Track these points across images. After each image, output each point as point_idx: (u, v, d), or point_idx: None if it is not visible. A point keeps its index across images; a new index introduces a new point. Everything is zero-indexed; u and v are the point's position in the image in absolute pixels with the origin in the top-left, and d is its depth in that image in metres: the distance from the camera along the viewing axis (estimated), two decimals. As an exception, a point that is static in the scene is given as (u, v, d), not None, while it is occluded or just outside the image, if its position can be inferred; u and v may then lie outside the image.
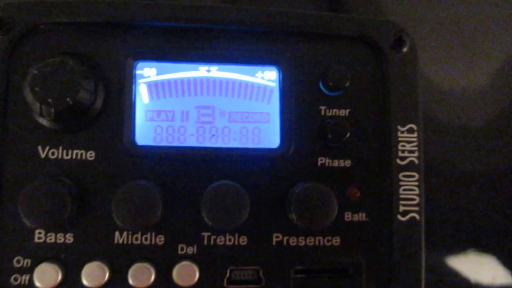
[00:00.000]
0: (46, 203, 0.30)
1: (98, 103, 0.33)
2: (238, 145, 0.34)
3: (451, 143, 0.44)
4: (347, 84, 0.34)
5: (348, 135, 0.34)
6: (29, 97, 0.30)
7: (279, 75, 0.35)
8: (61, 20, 0.33)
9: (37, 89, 0.30)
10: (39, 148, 0.32)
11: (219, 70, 0.35)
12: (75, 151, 0.32)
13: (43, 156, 0.32)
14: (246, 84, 0.35)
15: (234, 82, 0.35)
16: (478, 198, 0.45)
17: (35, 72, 0.30)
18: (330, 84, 0.34)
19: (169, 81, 0.34)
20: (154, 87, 0.34)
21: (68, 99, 0.30)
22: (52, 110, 0.30)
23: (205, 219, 0.31)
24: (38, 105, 0.30)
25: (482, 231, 0.45)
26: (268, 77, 0.35)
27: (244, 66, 0.35)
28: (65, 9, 0.32)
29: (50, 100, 0.30)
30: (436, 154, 0.43)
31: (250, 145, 0.34)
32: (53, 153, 0.32)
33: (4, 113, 0.32)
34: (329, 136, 0.34)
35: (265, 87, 0.35)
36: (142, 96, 0.34)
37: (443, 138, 0.44)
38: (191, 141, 0.34)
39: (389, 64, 0.35)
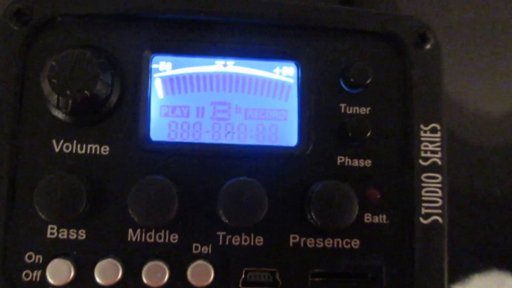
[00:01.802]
0: (61, 198, 0.30)
1: (114, 97, 0.33)
2: (254, 143, 0.34)
3: (472, 164, 0.44)
4: (369, 81, 0.34)
5: (369, 133, 0.34)
6: (46, 88, 0.31)
7: (298, 71, 0.35)
8: (78, 12, 0.34)
9: (55, 80, 0.30)
10: (54, 142, 0.33)
11: (235, 64, 0.35)
12: (89, 146, 0.33)
13: (57, 150, 0.33)
14: (264, 80, 0.35)
15: (251, 77, 0.35)
16: (499, 218, 0.44)
17: (53, 63, 0.31)
18: (351, 80, 0.34)
19: (184, 76, 0.35)
20: (169, 82, 0.34)
21: (86, 91, 0.31)
22: (70, 102, 0.31)
23: (221, 216, 0.31)
24: (55, 97, 0.31)
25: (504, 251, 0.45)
26: (286, 73, 0.35)
27: (261, 61, 0.35)
28: (82, 1, 0.33)
29: (67, 92, 0.30)
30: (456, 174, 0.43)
31: (267, 142, 0.34)
32: (67, 147, 0.33)
33: (20, 105, 0.33)
34: (349, 134, 0.34)
35: (283, 84, 0.35)
36: (157, 91, 0.34)
37: (464, 159, 0.44)
38: (206, 138, 0.34)
39: (412, 61, 0.35)
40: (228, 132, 0.34)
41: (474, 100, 0.45)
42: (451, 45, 0.43)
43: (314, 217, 0.32)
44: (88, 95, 0.31)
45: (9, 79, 0.32)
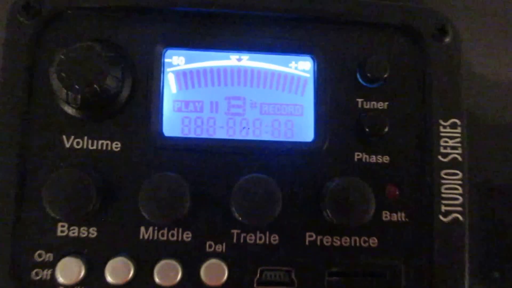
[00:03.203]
0: (71, 194, 0.30)
1: (125, 92, 0.33)
2: (270, 138, 0.34)
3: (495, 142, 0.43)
4: (386, 75, 0.34)
5: (386, 129, 0.33)
6: (55, 83, 0.30)
7: (314, 65, 0.35)
8: (89, 5, 0.33)
9: (63, 74, 0.30)
10: (64, 137, 0.32)
11: (250, 59, 0.34)
12: (100, 141, 0.33)
13: (67, 145, 0.32)
14: (279, 74, 0.34)
15: (266, 72, 0.34)
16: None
17: (62, 57, 0.30)
18: (368, 75, 0.34)
19: (198, 70, 0.34)
20: (183, 76, 0.34)
21: (95, 85, 0.30)
22: (79, 96, 0.30)
23: (235, 214, 0.31)
24: (64, 91, 0.30)
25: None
26: (302, 67, 0.35)
27: (277, 55, 0.34)
28: (93, -6, 0.33)
29: (76, 86, 0.30)
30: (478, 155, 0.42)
31: (282, 138, 0.34)
32: (78, 143, 0.32)
33: (29, 100, 0.32)
34: (367, 130, 0.33)
35: (299, 78, 0.35)
36: (170, 85, 0.34)
37: (486, 137, 0.43)
38: (220, 133, 0.34)
39: (431, 54, 0.35)
40: (243, 128, 0.34)
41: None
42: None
43: (329, 214, 0.31)
44: (97, 89, 0.30)
45: (19, 73, 0.32)
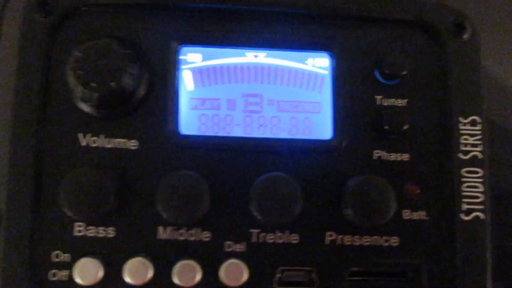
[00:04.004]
0: (88, 194, 0.30)
1: (142, 89, 0.32)
2: (287, 136, 0.34)
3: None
4: (405, 72, 0.33)
5: (406, 126, 0.33)
6: (71, 81, 0.30)
7: (332, 62, 0.34)
8: (103, 2, 0.33)
9: (80, 72, 0.30)
10: (80, 135, 0.32)
11: (267, 56, 0.34)
12: (117, 140, 0.32)
13: (83, 144, 0.32)
14: (296, 71, 0.34)
15: (283, 69, 0.34)
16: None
17: (79, 54, 0.30)
18: (387, 72, 0.33)
19: (214, 67, 0.34)
20: (199, 74, 0.34)
21: (112, 83, 0.30)
22: (95, 94, 0.30)
23: (254, 213, 0.31)
24: (81, 89, 0.30)
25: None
26: (319, 64, 0.34)
27: (294, 52, 0.34)
28: (109, -9, 0.33)
29: (93, 84, 0.30)
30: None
31: (300, 136, 0.34)
32: (94, 141, 0.32)
33: (45, 98, 0.32)
34: (386, 127, 0.33)
35: (316, 75, 0.34)
36: (186, 83, 0.34)
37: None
38: (237, 131, 0.33)
39: (449, 51, 0.34)
40: (261, 125, 0.33)
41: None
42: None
43: (350, 213, 0.31)
44: (114, 87, 0.30)
45: (34, 71, 0.32)
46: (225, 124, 0.33)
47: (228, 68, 0.34)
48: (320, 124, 0.34)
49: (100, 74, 0.30)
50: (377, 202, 0.31)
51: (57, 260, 0.31)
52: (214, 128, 0.33)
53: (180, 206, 0.30)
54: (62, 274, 0.31)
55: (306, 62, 0.34)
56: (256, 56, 0.34)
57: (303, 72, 0.34)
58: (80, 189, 0.30)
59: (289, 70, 0.34)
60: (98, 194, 0.30)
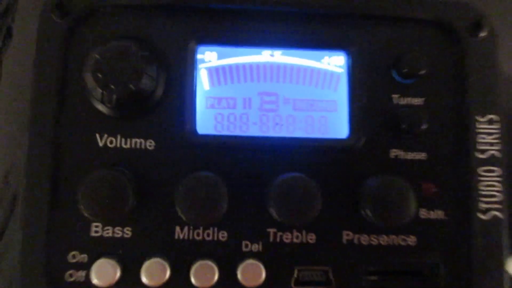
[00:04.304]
0: (107, 195, 0.29)
1: (159, 90, 0.32)
2: (303, 135, 0.33)
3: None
4: (423, 71, 0.33)
5: (424, 125, 0.33)
6: (90, 82, 0.30)
7: (348, 61, 0.34)
8: (120, 3, 0.33)
9: (99, 74, 0.30)
10: (97, 136, 0.32)
11: (283, 54, 0.34)
12: (134, 140, 0.32)
13: (101, 144, 0.32)
14: (312, 70, 0.34)
15: (299, 67, 0.34)
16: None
17: (97, 57, 0.30)
18: (405, 70, 0.33)
19: (230, 66, 0.34)
20: (215, 73, 0.34)
21: (131, 85, 0.30)
22: (114, 96, 0.30)
23: (273, 213, 0.30)
24: (99, 91, 0.30)
25: None
26: (335, 62, 0.34)
27: (309, 51, 0.34)
28: (125, -9, 0.33)
29: (112, 87, 0.30)
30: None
31: (316, 135, 0.33)
32: (111, 142, 0.32)
33: (62, 99, 0.32)
34: (403, 126, 0.33)
35: (332, 74, 0.34)
36: (203, 82, 0.34)
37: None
38: (254, 130, 0.33)
39: (467, 49, 0.34)
40: (277, 124, 0.33)
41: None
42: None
43: (370, 213, 0.31)
44: (133, 89, 0.30)
45: (51, 72, 0.32)
46: (241, 123, 0.33)
47: (244, 67, 0.34)
48: (336, 123, 0.34)
49: (119, 76, 0.30)
50: (398, 203, 0.31)
51: (74, 260, 0.31)
52: (230, 127, 0.33)
53: (200, 209, 0.29)
54: (79, 274, 0.31)
55: (321, 60, 0.34)
56: (272, 55, 0.34)
57: (318, 70, 0.34)
58: (99, 190, 0.30)
59: (305, 68, 0.34)
60: (117, 195, 0.30)
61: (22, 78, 0.33)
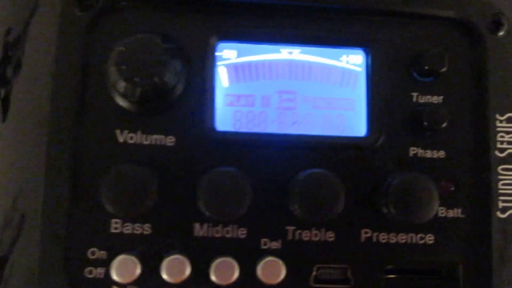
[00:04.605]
0: (130, 191, 0.29)
1: (180, 85, 0.32)
2: (321, 133, 0.33)
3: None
4: (444, 69, 0.33)
5: (445, 123, 0.33)
6: (113, 75, 0.30)
7: (366, 59, 0.34)
8: (141, -2, 0.33)
9: (123, 67, 0.29)
10: (117, 132, 0.32)
11: (301, 52, 0.34)
12: (154, 136, 0.32)
13: (121, 140, 0.32)
14: (330, 68, 0.34)
15: (317, 66, 0.34)
16: None
17: (122, 49, 0.30)
18: (426, 68, 0.33)
19: (249, 64, 0.34)
20: (234, 70, 0.34)
21: (155, 78, 0.30)
22: (138, 89, 0.30)
23: (297, 210, 0.30)
24: (122, 84, 0.30)
25: None
26: (353, 61, 0.34)
27: (328, 49, 0.34)
28: (147, -14, 0.33)
29: (136, 79, 0.29)
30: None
31: (334, 133, 0.33)
32: (131, 138, 0.32)
33: (83, 94, 0.32)
34: (424, 124, 0.33)
35: (350, 72, 0.34)
36: (222, 79, 0.34)
37: None
38: (272, 128, 0.33)
39: (486, 47, 0.34)
40: (294, 122, 0.33)
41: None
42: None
43: (392, 211, 0.31)
44: (158, 82, 0.30)
45: (72, 67, 0.32)
46: (260, 120, 0.33)
47: (263, 64, 0.34)
48: (353, 121, 0.34)
49: (144, 69, 0.29)
50: (420, 200, 0.30)
51: (93, 257, 0.31)
52: (249, 124, 0.33)
53: (224, 203, 0.29)
54: (98, 271, 0.31)
55: (340, 59, 0.34)
56: (290, 53, 0.34)
57: (337, 69, 0.34)
58: (122, 185, 0.29)
59: (323, 66, 0.34)
60: (140, 190, 0.29)
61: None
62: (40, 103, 0.31)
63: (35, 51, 0.32)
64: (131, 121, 0.32)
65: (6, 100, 0.32)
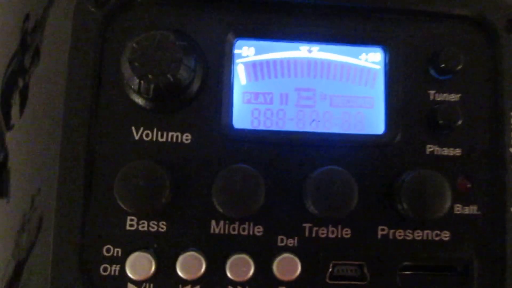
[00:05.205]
0: (144, 187, 0.29)
1: (196, 83, 0.32)
2: (340, 131, 0.33)
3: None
4: (460, 67, 0.33)
5: (460, 121, 0.33)
6: (127, 72, 0.30)
7: (385, 57, 0.34)
8: (157, -6, 0.32)
9: (136, 64, 0.29)
10: (133, 129, 0.32)
11: (320, 50, 0.34)
12: (170, 133, 0.32)
13: (137, 137, 0.32)
14: (349, 66, 0.34)
15: (336, 63, 0.34)
16: None
17: (135, 46, 0.29)
18: (442, 66, 0.33)
19: (267, 62, 0.33)
20: (252, 68, 0.33)
21: (169, 75, 0.29)
22: (152, 86, 0.29)
23: (310, 206, 0.30)
24: (136, 81, 0.29)
25: None
26: (372, 59, 0.34)
27: (347, 47, 0.34)
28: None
29: (150, 76, 0.29)
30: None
31: (353, 131, 0.33)
32: (147, 135, 0.32)
33: (98, 91, 0.31)
34: (440, 122, 0.33)
35: (369, 70, 0.34)
36: (240, 77, 0.33)
37: None
38: (290, 126, 0.33)
39: (503, 46, 0.34)
40: (313, 120, 0.33)
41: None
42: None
43: (406, 207, 0.31)
44: (171, 79, 0.29)
45: (87, 63, 0.31)
46: (278, 118, 0.33)
47: (281, 62, 0.33)
48: (372, 119, 0.34)
49: (157, 66, 0.29)
50: (433, 196, 0.31)
51: (108, 254, 0.31)
52: (267, 122, 0.33)
53: (237, 200, 0.29)
54: (114, 268, 0.31)
55: (359, 57, 0.34)
56: (309, 51, 0.34)
57: (356, 67, 0.34)
58: (136, 182, 0.29)
59: (342, 64, 0.34)
60: (153, 188, 0.29)
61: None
62: (58, 98, 0.31)
63: (53, 42, 0.31)
64: (146, 118, 0.32)
65: (23, 93, 0.31)
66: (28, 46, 0.31)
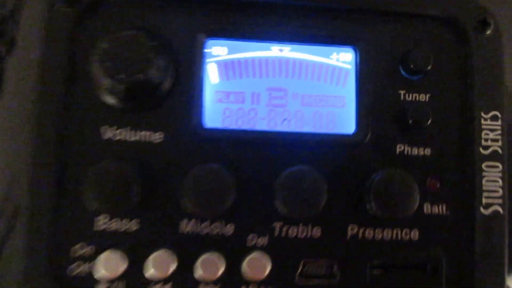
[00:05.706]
0: (113, 187, 0.29)
1: (167, 82, 0.32)
2: (311, 130, 0.33)
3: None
4: (430, 67, 0.33)
5: (430, 121, 0.33)
6: (97, 72, 0.30)
7: (356, 57, 0.34)
8: (129, -7, 0.32)
9: (107, 64, 0.29)
10: (103, 128, 0.32)
11: (292, 50, 0.34)
12: (141, 133, 0.32)
13: (106, 137, 0.32)
14: (321, 65, 0.34)
15: (307, 63, 0.34)
16: None
17: (106, 46, 0.29)
18: (412, 66, 0.33)
19: (239, 61, 0.33)
20: (224, 67, 0.33)
21: (139, 75, 0.29)
22: (123, 86, 0.29)
23: (279, 206, 0.31)
24: (107, 81, 0.29)
25: None
26: (343, 58, 0.34)
27: (318, 46, 0.34)
28: (135, -19, 0.32)
29: (120, 76, 0.29)
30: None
31: (324, 130, 0.34)
32: (117, 134, 0.32)
33: (69, 91, 0.31)
34: (410, 122, 0.33)
35: (340, 69, 0.34)
36: (211, 76, 0.33)
37: None
38: (261, 125, 0.33)
39: (472, 46, 0.34)
40: (285, 119, 0.33)
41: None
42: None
43: (374, 206, 0.31)
44: (142, 79, 0.30)
45: (58, 63, 0.31)
46: (249, 118, 0.33)
47: (253, 61, 0.33)
48: (343, 119, 0.34)
49: (127, 66, 0.29)
50: (400, 195, 0.31)
51: (80, 253, 0.31)
52: (238, 121, 0.33)
53: (206, 199, 0.29)
54: (84, 267, 0.31)
55: (330, 56, 0.34)
56: (281, 50, 0.34)
57: (327, 66, 0.34)
58: (105, 182, 0.29)
59: (314, 64, 0.34)
60: (123, 187, 0.29)
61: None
62: (31, 91, 0.31)
63: (28, 34, 0.31)
64: (118, 118, 0.32)
65: None
66: (3, 32, 0.31)
